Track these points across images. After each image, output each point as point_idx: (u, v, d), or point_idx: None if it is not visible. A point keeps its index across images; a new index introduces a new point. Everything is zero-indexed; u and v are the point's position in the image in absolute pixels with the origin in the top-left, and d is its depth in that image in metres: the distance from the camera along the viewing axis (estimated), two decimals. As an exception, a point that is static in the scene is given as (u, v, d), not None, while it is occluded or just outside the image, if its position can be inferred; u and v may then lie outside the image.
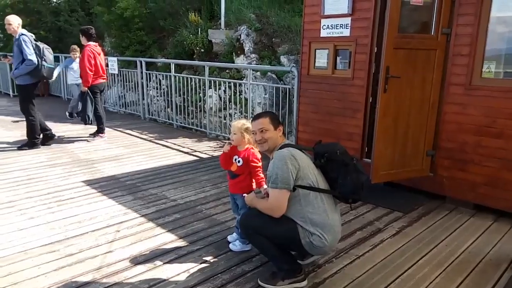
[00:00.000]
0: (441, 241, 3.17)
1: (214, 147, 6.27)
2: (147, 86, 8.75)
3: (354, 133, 4.54)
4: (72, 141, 6.35)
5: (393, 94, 3.64)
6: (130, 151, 5.82)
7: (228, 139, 3.08)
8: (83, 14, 10.83)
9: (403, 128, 3.83)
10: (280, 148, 2.42)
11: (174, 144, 6.39)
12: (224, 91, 7.44)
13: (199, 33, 8.50)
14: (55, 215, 3.48)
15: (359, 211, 3.72)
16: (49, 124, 6.18)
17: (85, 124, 6.50)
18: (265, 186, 2.69)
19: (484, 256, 2.93)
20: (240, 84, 7.05)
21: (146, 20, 9.21)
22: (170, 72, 7.79)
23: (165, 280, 2.51)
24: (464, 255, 2.94)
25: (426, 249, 3.02)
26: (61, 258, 2.75)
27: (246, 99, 7.14)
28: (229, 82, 7.00)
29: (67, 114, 7.76)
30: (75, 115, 7.16)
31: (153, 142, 6.51)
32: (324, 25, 4.64)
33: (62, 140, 6.38)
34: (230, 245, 2.97)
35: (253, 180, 2.85)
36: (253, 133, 2.58)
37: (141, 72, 8.40)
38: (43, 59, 5.50)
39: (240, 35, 8.10)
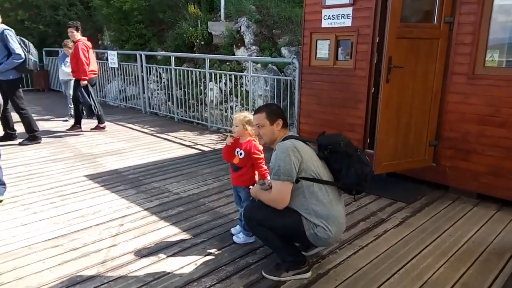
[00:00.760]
0: (445, 231, 3.17)
1: (216, 140, 6.26)
2: (148, 80, 8.72)
3: (356, 124, 4.52)
4: (74, 136, 6.34)
5: (396, 84, 3.61)
6: (131, 145, 5.82)
7: (230, 131, 3.06)
8: (82, 8, 10.76)
9: (405, 118, 3.81)
10: (283, 140, 2.40)
11: (176, 137, 6.38)
12: (225, 83, 7.41)
13: (199, 25, 8.44)
14: (58, 209, 3.48)
15: (362, 202, 3.72)
16: (49, 119, 6.17)
17: (93, 115, 6.52)
18: (269, 178, 2.69)
19: (488, 245, 2.93)
20: (240, 77, 7.02)
21: (146, 13, 9.15)
22: (170, 66, 7.75)
23: (169, 273, 2.52)
24: (468, 244, 2.94)
25: (430, 239, 3.02)
26: (65, 252, 2.76)
27: (247, 92, 7.11)
28: (230, 75, 6.96)
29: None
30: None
31: (154, 136, 6.50)
32: (326, 16, 4.60)
33: (63, 135, 6.38)
34: (234, 238, 2.97)
35: (256, 173, 2.85)
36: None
37: (141, 66, 8.37)
38: (29, 52, 5.49)
39: (240, 27, 8.05)
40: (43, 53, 11.55)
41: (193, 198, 3.82)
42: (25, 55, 5.39)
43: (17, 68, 5.43)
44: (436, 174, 4.09)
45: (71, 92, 7.00)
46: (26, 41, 5.59)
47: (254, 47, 7.81)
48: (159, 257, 2.71)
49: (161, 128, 7.06)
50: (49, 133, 6.48)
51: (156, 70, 8.68)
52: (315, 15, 4.70)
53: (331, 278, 2.47)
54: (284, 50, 7.38)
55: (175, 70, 7.66)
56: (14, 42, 5.29)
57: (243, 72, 7.44)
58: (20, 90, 5.69)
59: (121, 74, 9.21)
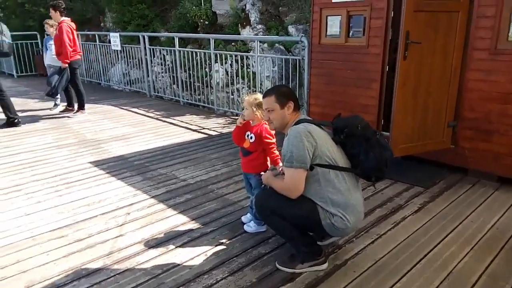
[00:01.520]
0: (466, 217, 3.01)
1: (223, 124, 6.10)
2: (152, 62, 8.51)
3: (370, 105, 4.33)
4: (79, 122, 6.21)
5: (413, 61, 3.39)
6: (137, 130, 5.68)
7: (237, 115, 2.89)
8: (83, -11, 10.50)
9: (423, 98, 3.60)
10: (296, 124, 2.24)
11: (182, 121, 6.23)
12: (231, 65, 7.19)
13: (203, 4, 8.16)
14: (63, 198, 3.38)
15: (378, 187, 3.56)
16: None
17: (48, 95, 6.39)
18: (281, 164, 2.53)
19: (513, 231, 2.77)
20: (247, 57, 6.79)
21: (148, -8, 8.87)
22: (174, 47, 7.53)
23: (179, 264, 2.41)
24: (492, 231, 2.78)
25: (451, 226, 2.87)
26: (70, 243, 2.66)
27: (254, 73, 6.90)
28: (236, 56, 6.73)
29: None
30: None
31: (160, 120, 6.36)
32: (337, -10, 4.35)
33: (68, 121, 6.26)
34: (245, 226, 2.84)
35: (268, 158, 2.69)
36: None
37: (145, 48, 8.14)
38: (2, 34, 5.29)
39: (245, 5, 7.76)
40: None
41: (201, 184, 3.69)
42: None
43: None
44: (455, 156, 3.91)
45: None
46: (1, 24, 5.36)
47: (260, 26, 7.55)
48: (168, 248, 2.60)
49: (166, 112, 6.91)
50: (54, 118, 6.37)
51: (160, 52, 8.46)
52: (325, -11, 4.45)
53: (349, 269, 2.33)
54: (291, 29, 7.11)
55: (179, 51, 7.44)
56: None
57: (249, 52, 7.21)
58: None
59: (124, 57, 9.01)
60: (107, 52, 9.40)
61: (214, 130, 5.70)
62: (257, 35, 7.40)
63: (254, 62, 6.90)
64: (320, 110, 4.83)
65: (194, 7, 8.08)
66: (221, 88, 7.31)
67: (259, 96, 2.61)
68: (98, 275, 2.31)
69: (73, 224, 2.92)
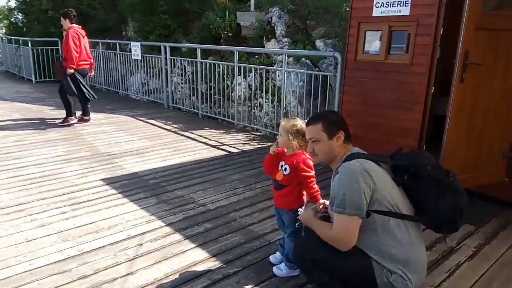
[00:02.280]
0: (535, 268, 2.55)
1: (244, 140, 5.73)
2: (171, 73, 8.27)
3: (411, 129, 3.90)
4: (93, 132, 5.94)
5: (471, 84, 2.98)
6: (153, 144, 5.36)
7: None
8: (106, -3, 10.41)
9: (478, 125, 3.18)
10: (347, 159, 1.84)
11: (200, 136, 5.90)
12: (254, 78, 6.86)
13: (227, 16, 7.90)
14: (69, 222, 3.04)
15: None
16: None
17: (89, 101, 6.32)
18: (322, 201, 2.14)
19: None
20: (272, 71, 6.45)
21: (171, 2, 8.68)
22: (196, 58, 7.25)
23: (197, 317, 2.02)
24: None
25: (520, 279, 2.41)
26: (74, 281, 2.30)
27: (277, 87, 6.56)
28: (261, 69, 6.38)
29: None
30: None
31: (177, 133, 6.04)
32: (378, 3, 3.97)
33: (82, 131, 5.99)
34: (274, 269, 2.44)
35: (304, 193, 2.30)
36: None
37: (165, 58, 7.90)
38: None
39: (271, 18, 7.47)
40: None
41: (222, 211, 3.31)
42: None
43: None
44: (509, 190, 3.44)
45: None
46: None
47: (286, 39, 7.23)
48: (184, 293, 2.22)
49: (184, 125, 6.59)
50: (67, 128, 6.12)
51: (181, 63, 8.21)
52: (365, 2, 4.08)
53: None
54: (319, 43, 6.77)
55: (201, 63, 7.15)
56: None
57: (273, 66, 6.89)
58: None
59: (144, 67, 8.80)
60: (127, 61, 9.22)
61: (234, 147, 5.34)
62: (283, 48, 7.08)
63: (278, 76, 6.57)
64: (353, 132, 4.34)
65: (218, 18, 7.83)
66: (242, 101, 6.97)
67: (298, 123, 2.23)
68: (101, 326, 1.94)
69: (78, 256, 2.56)
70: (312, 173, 2.24)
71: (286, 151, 2.32)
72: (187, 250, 2.68)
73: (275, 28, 7.36)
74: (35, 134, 5.62)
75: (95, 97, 6.36)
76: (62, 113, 6.92)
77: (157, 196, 3.59)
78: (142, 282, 2.31)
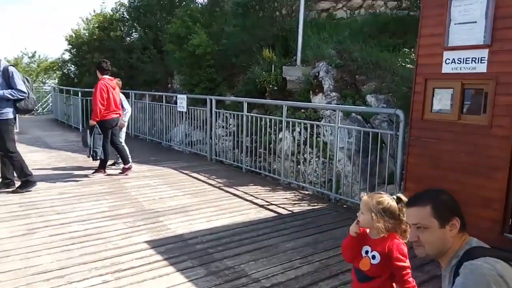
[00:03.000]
0: None
1: (292, 200, 5.36)
2: (215, 125, 8.20)
3: (493, 199, 3.42)
4: (137, 186, 5.78)
5: None
6: (198, 201, 5.10)
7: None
8: (155, 52, 10.81)
9: None
10: (468, 255, 1.44)
11: (246, 193, 5.58)
12: (299, 132, 6.61)
13: (273, 70, 7.88)
14: (112, 295, 2.73)
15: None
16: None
17: (93, 160, 6.17)
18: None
19: None
20: (317, 126, 6.18)
21: (217, 57, 8.83)
22: (240, 111, 7.15)
23: None
24: None
25: None
26: None
27: (324, 143, 6.25)
28: (310, 124, 6.11)
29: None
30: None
31: (222, 189, 5.77)
32: (448, 59, 3.68)
33: (126, 184, 5.86)
34: None
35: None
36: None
37: (210, 110, 7.87)
38: (32, 90, 5.16)
39: (318, 72, 7.35)
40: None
41: (279, 289, 2.90)
42: (28, 92, 4.99)
43: (19, 106, 4.99)
44: None
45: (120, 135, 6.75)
46: (28, 78, 5.33)
47: (334, 93, 7.03)
48: None
49: (228, 180, 6.33)
50: (112, 180, 6.01)
51: (223, 115, 8.15)
52: (433, 58, 3.80)
53: None
54: (370, 98, 6.50)
55: (247, 116, 7.01)
56: (18, 78, 4.92)
57: (320, 120, 6.64)
58: (14, 131, 5.18)
59: (188, 118, 8.82)
60: (171, 112, 9.32)
61: (283, 208, 4.97)
62: (331, 102, 6.86)
63: (326, 131, 6.30)
64: (420, 198, 3.96)
65: (263, 72, 7.81)
66: (288, 156, 6.68)
67: (385, 199, 1.87)
68: None
69: None
70: (407, 263, 1.83)
71: (369, 232, 1.94)
72: None
73: (323, 82, 7.21)
74: (79, 187, 5.53)
75: (98, 158, 6.14)
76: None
77: (205, 266, 3.24)
78: None
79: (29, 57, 25.38)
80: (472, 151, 3.55)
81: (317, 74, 7.36)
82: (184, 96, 8.49)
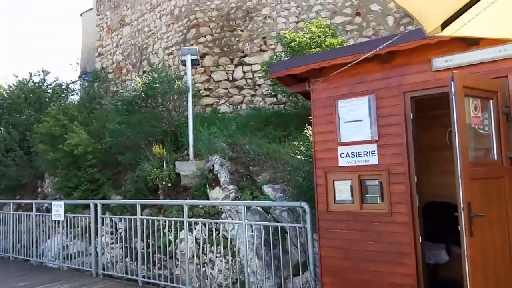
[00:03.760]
0: None
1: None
2: (101, 232, 7.21)
3: (405, 284, 3.53)
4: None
5: (479, 237, 2.79)
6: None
7: None
8: (21, 153, 9.47)
9: (492, 284, 2.90)
10: None
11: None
12: (201, 231, 6.21)
13: (165, 166, 7.54)
14: None
15: None
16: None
17: None
18: None
19: None
20: (217, 223, 5.92)
21: (100, 156, 8.13)
22: (131, 214, 6.49)
23: None
24: None
25: None
26: None
27: (226, 239, 5.97)
28: (216, 223, 5.81)
29: None
30: None
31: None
32: (343, 153, 3.96)
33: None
34: None
35: None
36: None
37: (96, 217, 6.95)
38: None
39: (213, 166, 7.28)
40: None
41: None
42: None
43: None
44: None
45: None
46: None
47: (231, 186, 6.96)
48: None
49: (122, 299, 5.41)
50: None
51: (111, 220, 7.28)
52: (328, 152, 4.06)
53: None
54: (267, 189, 6.60)
55: (141, 220, 6.36)
56: None
57: (220, 215, 6.41)
58: None
59: (64, 227, 7.60)
60: (43, 221, 7.97)
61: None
62: (229, 196, 6.74)
63: (227, 227, 6.06)
64: (339, 293, 3.90)
65: (155, 169, 7.40)
66: (189, 259, 6.12)
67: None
68: None
69: None
70: None
71: None
72: None
73: (219, 175, 7.12)
74: None
75: None
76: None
77: None
78: None
79: None
80: (377, 238, 3.70)
81: (211, 168, 7.27)
82: (61, 203, 7.39)
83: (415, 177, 3.54)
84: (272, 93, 9.74)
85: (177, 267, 6.20)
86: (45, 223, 7.93)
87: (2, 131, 9.94)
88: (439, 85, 3.39)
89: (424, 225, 3.57)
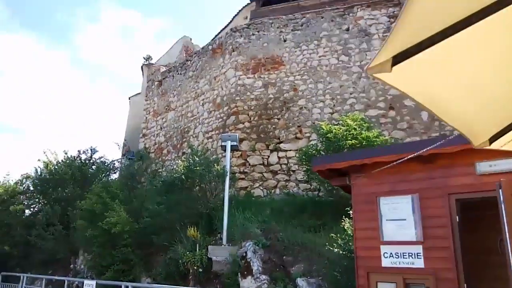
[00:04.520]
0: None
1: None
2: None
3: None
4: None
5: None
6: None
7: None
8: (60, 228, 9.73)
9: None
10: None
11: None
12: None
13: (197, 249, 7.48)
14: None
15: None
16: None
17: None
18: None
19: None
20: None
21: (136, 235, 8.22)
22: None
23: None
24: None
25: None
26: None
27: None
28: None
29: None
30: None
31: None
32: (386, 253, 3.86)
33: None
34: None
35: None
36: None
37: (125, 301, 6.84)
38: None
39: (245, 252, 7.16)
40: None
41: None
42: None
43: None
44: None
45: None
46: None
47: (264, 276, 6.75)
48: None
49: None
50: None
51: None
52: (371, 251, 3.96)
53: None
54: (301, 282, 6.34)
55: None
56: None
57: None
58: None
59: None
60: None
61: None
62: (261, 287, 6.51)
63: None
64: None
65: (187, 252, 7.35)
66: None
67: None
68: None
69: None
70: None
71: None
72: None
73: (251, 263, 6.96)
74: None
75: None
76: None
77: None
78: None
79: None
80: None
81: (244, 255, 7.15)
82: (93, 283, 7.37)
83: (465, 285, 3.36)
84: (307, 179, 9.81)
85: None
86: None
87: (47, 206, 10.33)
88: (485, 189, 3.38)
89: None
